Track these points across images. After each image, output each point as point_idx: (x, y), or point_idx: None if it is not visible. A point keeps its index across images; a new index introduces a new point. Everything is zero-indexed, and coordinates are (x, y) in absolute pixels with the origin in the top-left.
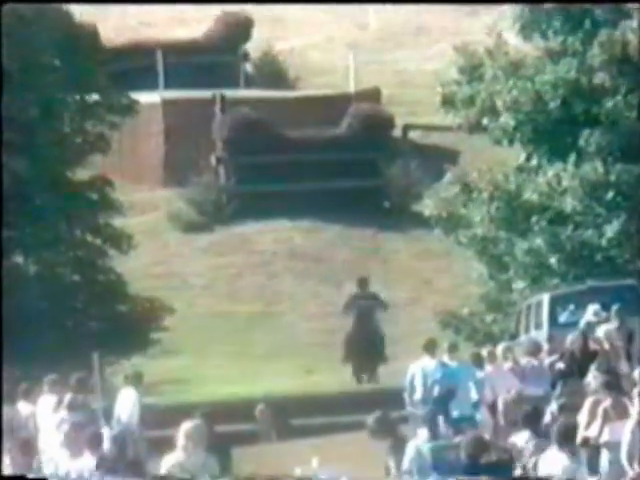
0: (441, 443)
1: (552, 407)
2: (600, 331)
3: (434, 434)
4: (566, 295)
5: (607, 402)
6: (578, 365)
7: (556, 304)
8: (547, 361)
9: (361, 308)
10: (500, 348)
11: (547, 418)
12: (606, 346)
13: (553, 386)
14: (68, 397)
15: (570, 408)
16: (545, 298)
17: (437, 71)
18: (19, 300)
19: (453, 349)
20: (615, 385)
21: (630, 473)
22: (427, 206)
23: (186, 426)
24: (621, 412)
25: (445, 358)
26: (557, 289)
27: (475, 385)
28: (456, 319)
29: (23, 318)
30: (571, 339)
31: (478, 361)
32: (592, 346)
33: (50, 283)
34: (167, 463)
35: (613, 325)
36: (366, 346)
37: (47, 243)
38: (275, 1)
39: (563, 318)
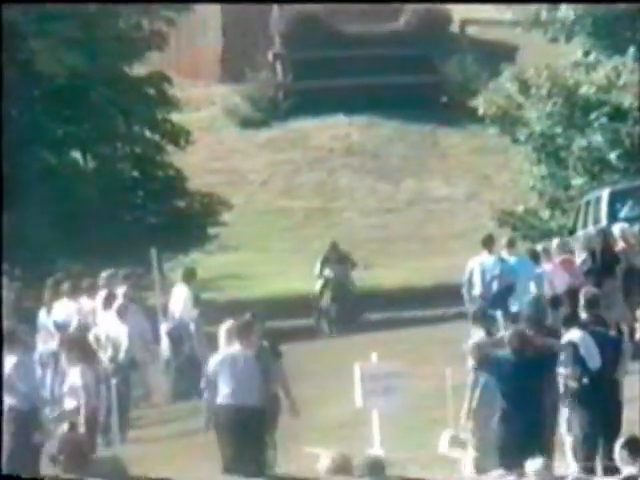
0: (486, 339)
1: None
2: (616, 229)
3: (488, 330)
4: (625, 190)
5: None
6: (600, 263)
7: (615, 199)
8: (579, 259)
9: (330, 273)
10: (555, 243)
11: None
12: (621, 244)
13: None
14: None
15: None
16: (604, 193)
17: None
18: (78, 196)
19: (511, 244)
20: None
21: None
22: (481, 104)
23: (226, 326)
24: None
25: (504, 254)
26: (616, 185)
27: (535, 280)
28: (513, 217)
29: (82, 214)
30: (590, 238)
31: (534, 257)
32: (613, 244)
33: (109, 179)
34: (214, 361)
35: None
36: (339, 311)
37: (105, 139)
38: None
39: (622, 213)
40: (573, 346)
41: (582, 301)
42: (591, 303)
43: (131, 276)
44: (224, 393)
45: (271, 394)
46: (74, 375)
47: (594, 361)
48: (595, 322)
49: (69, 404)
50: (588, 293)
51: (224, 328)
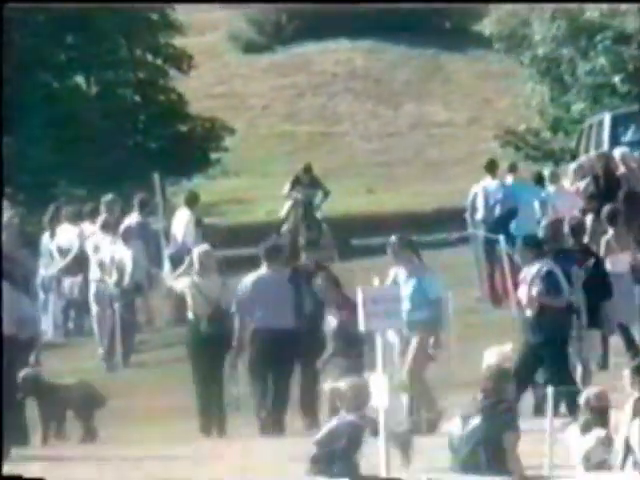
0: None
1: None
2: (617, 153)
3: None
4: (628, 114)
5: (610, 234)
6: (603, 187)
7: (617, 123)
8: (582, 184)
9: (299, 195)
10: (571, 167)
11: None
12: (622, 169)
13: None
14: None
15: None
16: (607, 117)
17: None
18: (81, 120)
19: (513, 169)
20: (616, 217)
21: None
22: (487, 25)
23: (197, 250)
24: (623, 244)
25: (509, 178)
26: (618, 109)
27: (539, 205)
28: (515, 137)
29: (85, 138)
30: (593, 161)
31: (540, 180)
32: (614, 168)
33: (111, 103)
34: (183, 283)
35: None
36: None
37: (108, 63)
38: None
39: (624, 137)
40: (551, 273)
41: (567, 229)
42: (575, 231)
43: (148, 201)
44: (257, 316)
45: (306, 316)
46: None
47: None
48: (580, 250)
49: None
50: (573, 220)
51: (197, 251)
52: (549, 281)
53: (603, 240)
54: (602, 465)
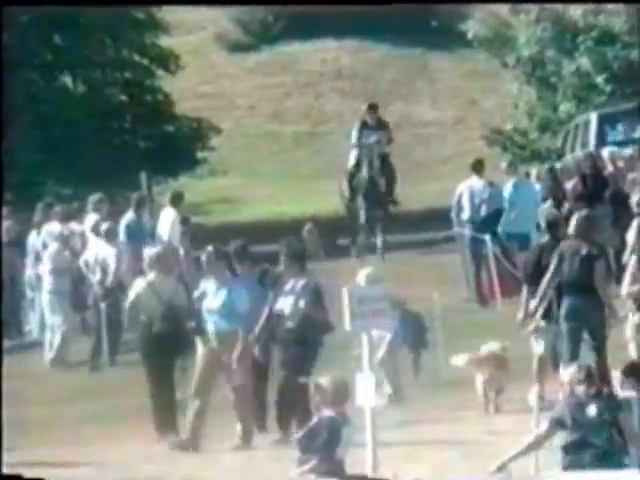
0: None
1: None
2: (605, 153)
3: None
4: (615, 114)
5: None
6: (590, 187)
7: (604, 123)
8: (569, 184)
9: (368, 140)
10: (557, 167)
11: None
12: (610, 168)
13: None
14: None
15: None
16: (593, 117)
17: None
18: (67, 120)
19: (514, 167)
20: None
21: None
22: (472, 27)
23: (150, 252)
24: None
25: (512, 178)
26: (605, 108)
27: (526, 204)
28: (502, 136)
29: (71, 138)
30: (580, 162)
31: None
32: (602, 168)
33: (98, 103)
34: (138, 285)
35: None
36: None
37: (94, 63)
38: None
39: (611, 137)
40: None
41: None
42: (550, 225)
43: (144, 200)
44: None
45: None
46: None
47: None
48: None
49: None
50: (550, 215)
51: (153, 252)
52: (316, 294)
53: None
54: None
